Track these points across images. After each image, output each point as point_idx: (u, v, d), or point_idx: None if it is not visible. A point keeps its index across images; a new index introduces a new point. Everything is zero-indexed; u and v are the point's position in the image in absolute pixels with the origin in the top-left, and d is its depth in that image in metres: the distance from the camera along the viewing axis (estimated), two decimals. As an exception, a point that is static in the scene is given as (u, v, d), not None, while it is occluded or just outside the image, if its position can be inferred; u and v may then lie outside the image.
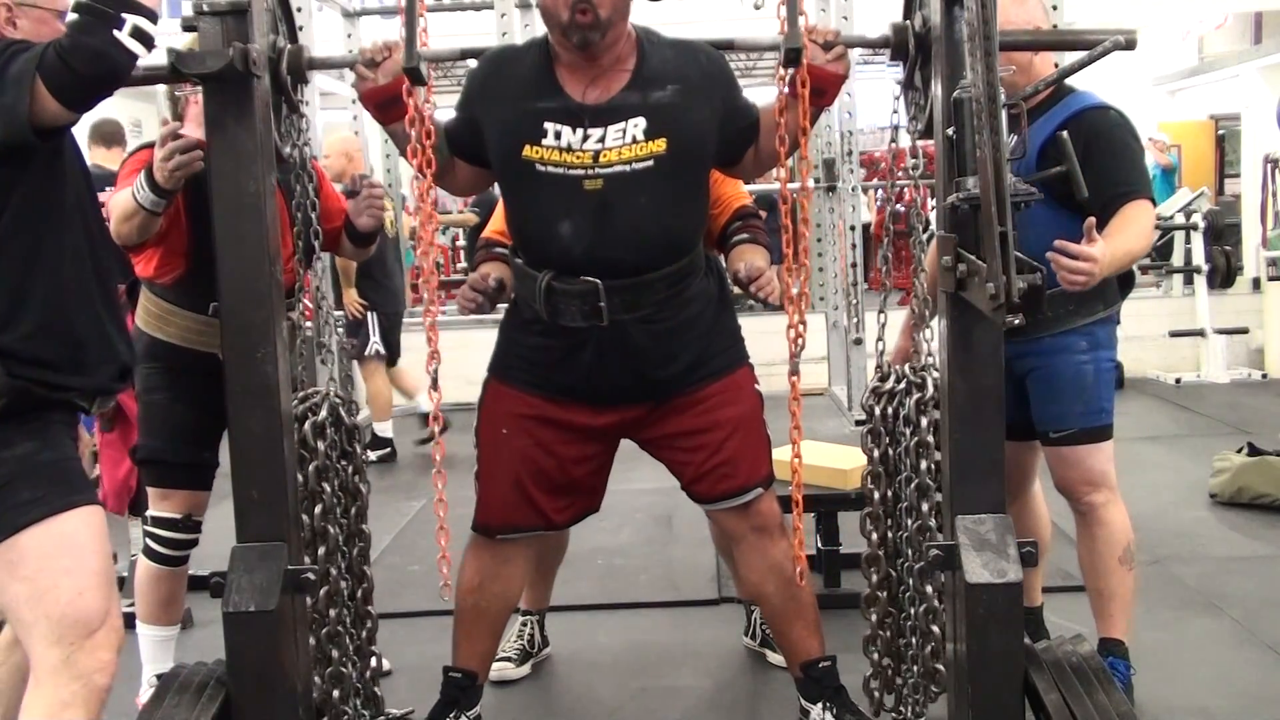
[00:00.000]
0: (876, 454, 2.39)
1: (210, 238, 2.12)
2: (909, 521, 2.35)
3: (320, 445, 2.30)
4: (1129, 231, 2.44)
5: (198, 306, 2.61)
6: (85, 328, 2.01)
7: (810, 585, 2.48)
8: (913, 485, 2.32)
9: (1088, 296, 2.58)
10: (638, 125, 2.28)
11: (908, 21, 2.21)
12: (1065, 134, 2.34)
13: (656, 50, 2.35)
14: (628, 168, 2.28)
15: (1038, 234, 2.41)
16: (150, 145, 2.69)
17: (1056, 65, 2.59)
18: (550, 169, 2.29)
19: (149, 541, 2.75)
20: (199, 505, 2.75)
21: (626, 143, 2.28)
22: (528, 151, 2.29)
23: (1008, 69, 2.21)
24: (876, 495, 2.39)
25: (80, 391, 2.04)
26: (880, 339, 2.49)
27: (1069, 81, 2.60)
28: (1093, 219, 2.29)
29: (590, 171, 2.28)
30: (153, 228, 2.45)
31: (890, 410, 2.37)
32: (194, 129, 2.56)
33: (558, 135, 2.28)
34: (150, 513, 2.75)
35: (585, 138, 2.28)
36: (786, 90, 2.21)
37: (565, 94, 2.30)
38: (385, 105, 2.26)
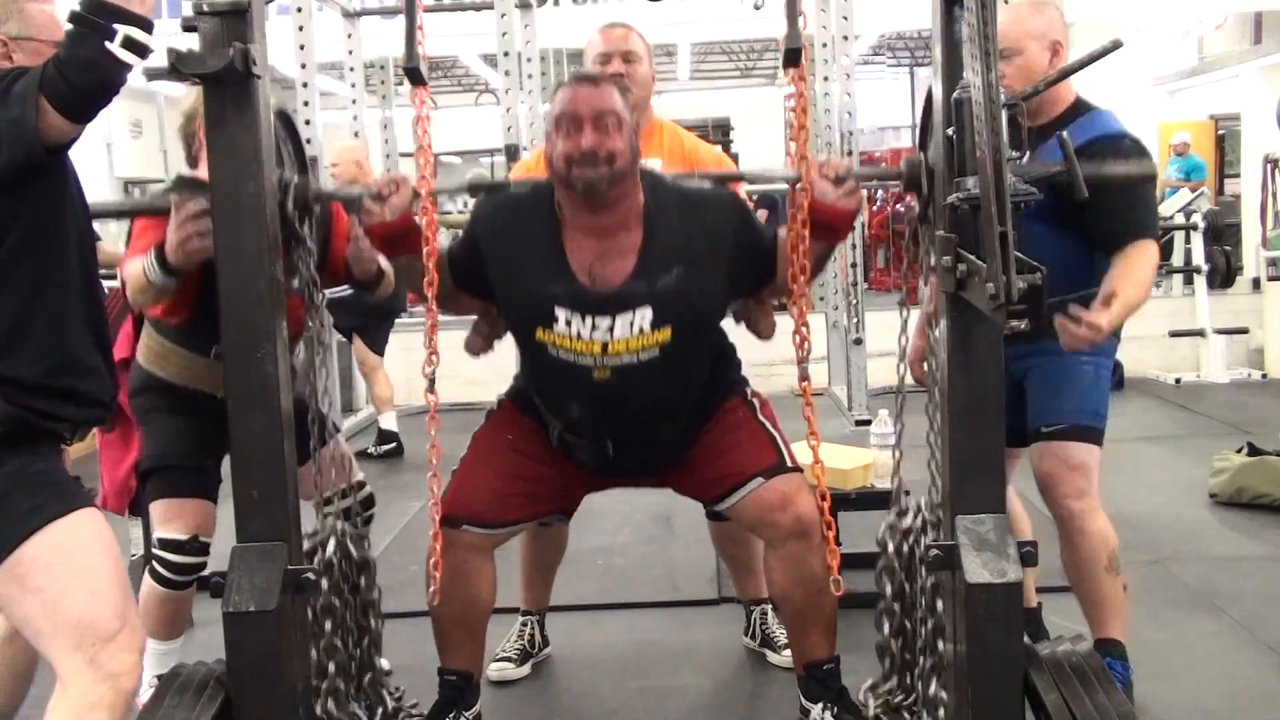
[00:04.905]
0: (890, 590, 2.33)
1: (218, 287, 2.09)
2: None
3: (324, 583, 2.25)
4: (1133, 279, 2.44)
5: (200, 349, 2.58)
6: (82, 358, 2.00)
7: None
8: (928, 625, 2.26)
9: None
10: (644, 316, 2.32)
11: (921, 155, 2.17)
12: (1065, 134, 2.34)
13: (663, 217, 2.35)
14: (635, 359, 2.34)
15: (1038, 253, 2.41)
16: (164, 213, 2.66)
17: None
18: (561, 355, 2.36)
19: (155, 565, 2.69)
20: (205, 521, 2.67)
21: (633, 335, 2.33)
22: (540, 335, 2.36)
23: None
24: (887, 628, 2.34)
25: (70, 423, 2.02)
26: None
27: (1086, 97, 2.60)
28: (1109, 290, 2.34)
29: (599, 362, 2.34)
30: (168, 295, 2.43)
31: (907, 547, 2.32)
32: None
33: (568, 323, 2.33)
34: (157, 535, 2.69)
35: (594, 328, 2.33)
36: (799, 223, 2.22)
37: (573, 276, 2.33)
38: (391, 241, 2.29)
